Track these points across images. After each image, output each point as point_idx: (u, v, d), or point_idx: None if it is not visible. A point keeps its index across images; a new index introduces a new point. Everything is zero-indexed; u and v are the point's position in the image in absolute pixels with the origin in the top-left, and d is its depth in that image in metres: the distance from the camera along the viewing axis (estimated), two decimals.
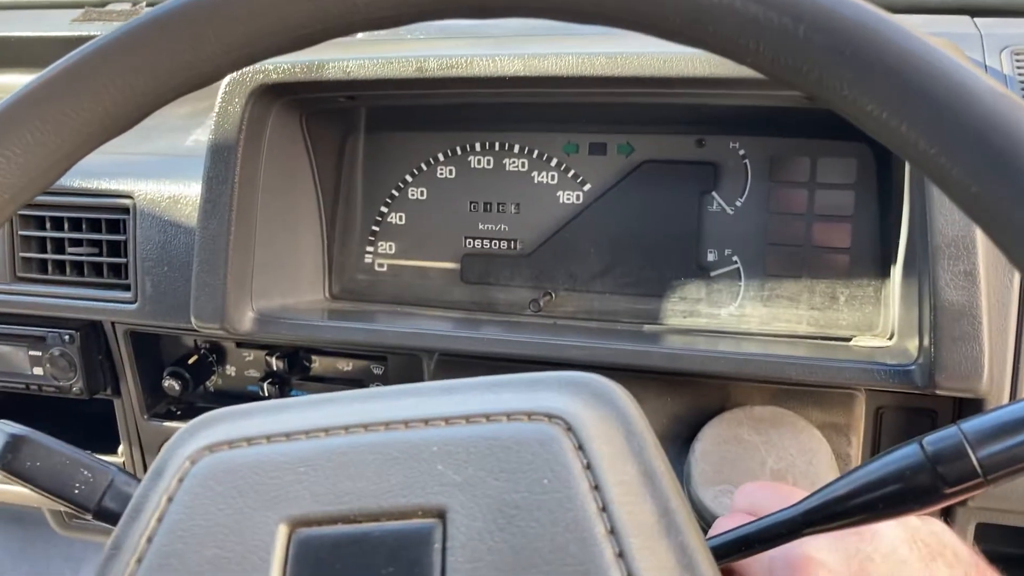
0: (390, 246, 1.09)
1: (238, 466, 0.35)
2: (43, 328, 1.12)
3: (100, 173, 1.08)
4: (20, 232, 1.10)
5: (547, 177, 1.04)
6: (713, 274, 0.99)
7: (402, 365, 1.05)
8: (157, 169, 1.08)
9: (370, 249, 1.10)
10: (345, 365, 1.09)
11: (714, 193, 0.99)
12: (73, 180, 1.08)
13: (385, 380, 1.07)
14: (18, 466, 0.53)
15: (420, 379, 1.02)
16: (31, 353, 1.13)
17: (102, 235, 1.07)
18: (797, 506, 0.48)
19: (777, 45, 0.31)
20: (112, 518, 0.53)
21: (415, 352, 1.02)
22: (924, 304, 0.80)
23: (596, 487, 0.32)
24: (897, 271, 0.89)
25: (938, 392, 0.78)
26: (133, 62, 0.37)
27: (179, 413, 1.17)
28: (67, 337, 1.11)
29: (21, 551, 1.74)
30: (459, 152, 1.06)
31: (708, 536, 0.56)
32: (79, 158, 0.40)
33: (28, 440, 0.54)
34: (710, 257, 0.99)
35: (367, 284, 1.10)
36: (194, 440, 0.37)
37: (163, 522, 0.35)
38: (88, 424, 1.26)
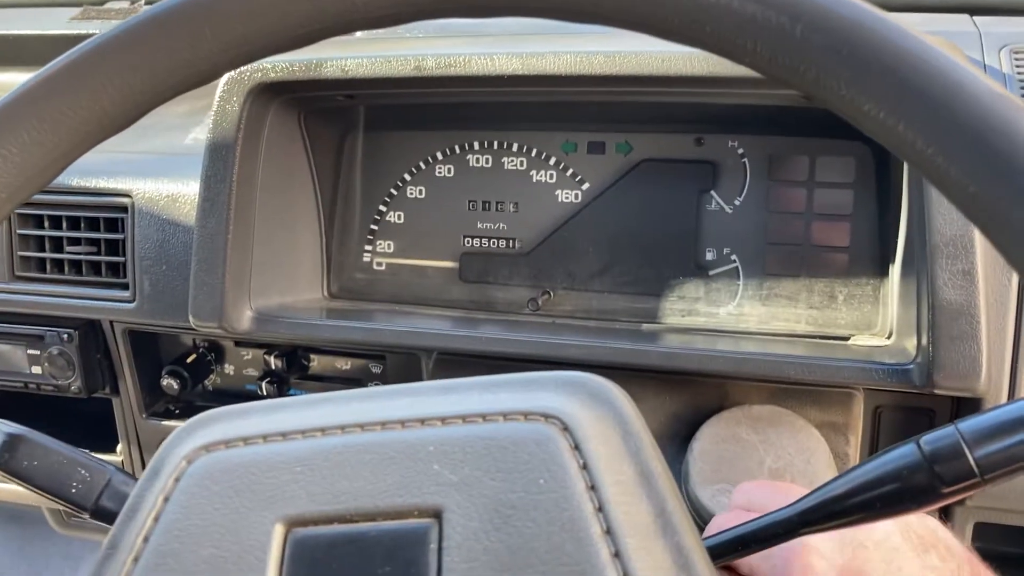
0: (389, 245, 1.09)
1: (234, 466, 0.35)
2: (41, 327, 1.12)
3: (98, 172, 1.08)
4: (18, 231, 1.10)
5: (546, 176, 1.04)
6: (712, 273, 0.99)
7: (401, 364, 1.05)
8: (155, 168, 1.08)
9: (368, 248, 1.10)
10: (344, 364, 1.09)
11: (713, 192, 0.99)
12: (71, 179, 1.08)
13: (384, 379, 1.07)
14: (15, 465, 0.54)
15: (419, 378, 1.02)
16: (29, 352, 1.13)
17: (100, 234, 1.07)
18: (794, 505, 0.48)
19: (774, 45, 0.31)
20: (109, 517, 0.53)
21: (413, 351, 1.02)
22: (922, 303, 0.80)
23: (592, 487, 0.32)
24: (895, 270, 0.89)
25: (936, 391, 0.78)
26: (131, 60, 0.37)
27: (178, 412, 1.17)
28: (65, 336, 1.11)
29: (20, 550, 1.74)
30: (458, 151, 1.06)
31: (705, 534, 0.56)
32: (76, 157, 0.40)
33: (25, 439, 0.54)
34: (709, 256, 0.99)
35: (365, 283, 1.10)
36: (191, 440, 0.37)
37: (159, 522, 0.34)
38: (87, 423, 1.26)
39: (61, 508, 1.34)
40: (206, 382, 1.16)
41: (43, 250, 1.10)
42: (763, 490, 0.63)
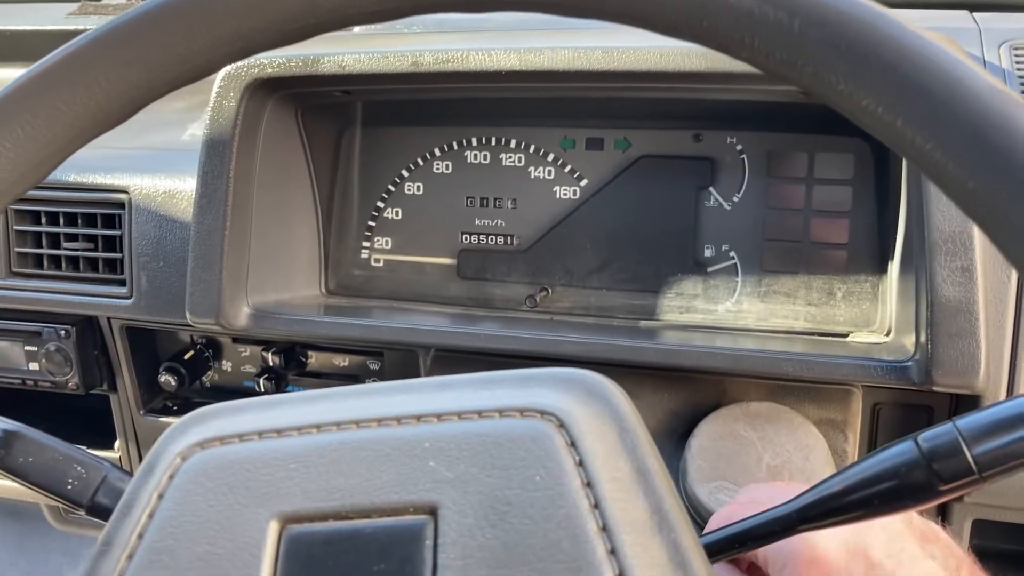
0: (386, 241, 1.09)
1: (229, 462, 0.35)
2: (39, 323, 1.12)
3: (95, 168, 1.07)
4: (15, 227, 1.10)
5: (544, 172, 1.03)
6: (710, 270, 0.99)
7: (398, 361, 1.05)
8: (152, 164, 1.07)
9: (366, 244, 1.10)
10: (341, 361, 1.09)
11: (711, 188, 0.99)
12: (68, 175, 1.07)
13: (381, 376, 1.07)
14: (11, 462, 0.53)
15: (416, 375, 1.02)
16: (27, 348, 1.13)
17: (97, 230, 1.07)
18: (792, 502, 0.48)
19: (772, 40, 0.31)
20: (105, 514, 0.53)
21: (411, 348, 1.01)
22: (921, 300, 0.80)
23: (588, 484, 0.32)
24: (894, 267, 0.89)
25: (935, 388, 0.78)
26: (126, 55, 0.37)
27: (175, 408, 1.17)
28: (63, 332, 1.11)
29: (18, 545, 1.74)
30: (455, 147, 1.06)
31: (708, 527, 0.56)
32: (72, 152, 0.40)
33: (20, 436, 0.54)
34: (707, 253, 0.99)
35: (363, 279, 1.10)
36: (185, 436, 0.37)
37: (154, 518, 0.34)
38: (84, 419, 1.26)
39: (58, 504, 1.34)
40: (204, 378, 1.15)
41: (40, 246, 1.10)
42: (770, 491, 0.63)
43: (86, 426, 1.24)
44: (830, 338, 0.93)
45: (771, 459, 0.83)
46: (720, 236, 0.99)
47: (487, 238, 1.06)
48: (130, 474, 0.51)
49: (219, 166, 0.94)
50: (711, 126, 0.98)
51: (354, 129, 1.09)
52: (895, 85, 0.29)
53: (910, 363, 0.80)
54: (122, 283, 1.06)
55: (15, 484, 0.55)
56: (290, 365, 1.09)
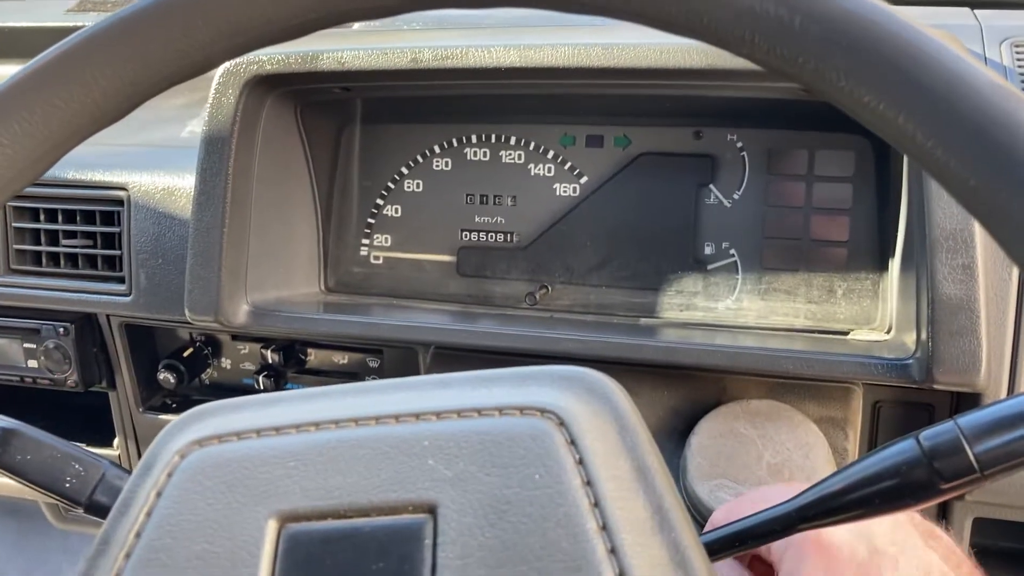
0: (386, 239, 1.09)
1: (227, 461, 0.35)
2: (37, 320, 1.12)
3: (94, 165, 1.07)
4: (14, 224, 1.10)
5: (543, 169, 1.03)
6: (710, 267, 0.99)
7: (398, 358, 1.05)
8: (151, 161, 1.07)
9: (366, 242, 1.10)
10: (341, 358, 1.09)
11: (711, 186, 0.99)
12: (67, 172, 1.07)
13: (381, 373, 1.07)
14: (8, 460, 0.53)
15: (416, 372, 1.02)
16: (26, 346, 1.13)
17: (96, 227, 1.07)
18: (792, 501, 0.48)
19: (773, 36, 0.31)
20: (103, 512, 0.53)
21: (411, 345, 1.01)
22: (922, 298, 0.79)
23: (588, 483, 0.32)
24: (895, 265, 0.89)
25: (935, 386, 0.78)
26: (123, 51, 0.37)
27: (174, 406, 1.17)
28: (61, 329, 1.11)
29: (18, 543, 1.74)
30: (455, 144, 1.06)
31: (709, 525, 0.56)
32: (69, 149, 0.39)
33: (18, 433, 0.54)
34: (707, 250, 0.99)
35: (363, 277, 1.10)
36: (183, 434, 0.37)
37: (152, 517, 0.34)
38: (83, 417, 1.26)
39: (57, 502, 1.34)
40: (203, 376, 1.15)
41: (39, 243, 1.10)
42: (778, 492, 0.63)
43: (85, 423, 1.24)
44: (830, 336, 0.92)
45: (771, 457, 0.83)
46: (720, 233, 0.99)
47: (487, 235, 1.05)
48: (128, 472, 0.51)
49: (218, 163, 0.93)
50: (711, 123, 0.98)
51: (354, 126, 1.09)
52: (896, 82, 0.29)
53: (911, 361, 0.79)
54: (121, 280, 1.06)
55: (14, 482, 0.55)
56: (289, 363, 1.08)
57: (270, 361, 1.07)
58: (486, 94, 1.01)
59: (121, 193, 1.05)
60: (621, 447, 0.33)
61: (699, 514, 0.83)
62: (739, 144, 0.98)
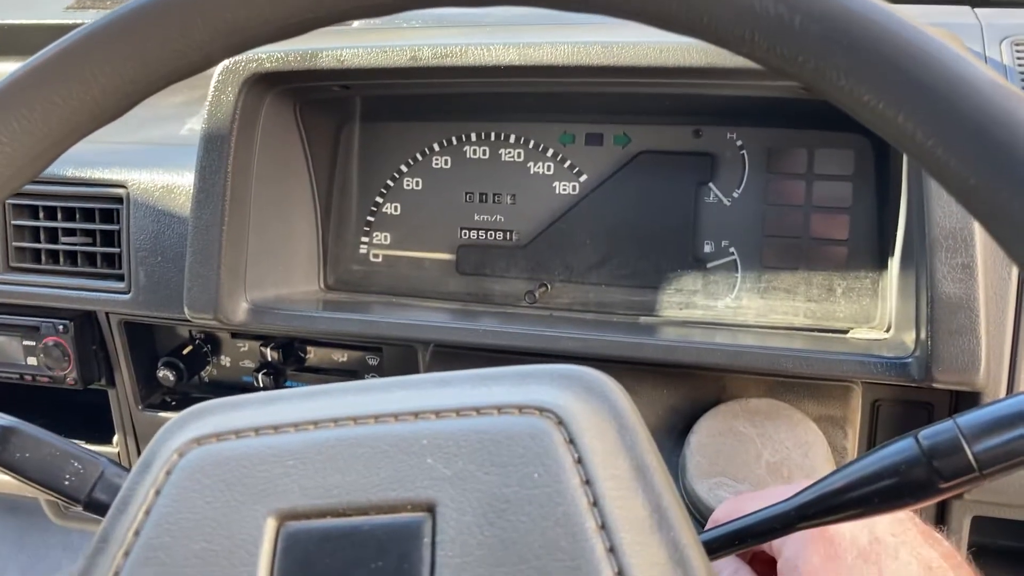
0: (385, 236, 1.09)
1: (226, 459, 0.35)
2: (37, 318, 1.12)
3: (93, 162, 1.07)
4: (13, 222, 1.10)
5: (543, 168, 1.03)
6: (709, 266, 0.99)
7: (397, 356, 1.05)
8: (151, 158, 1.07)
9: (365, 239, 1.10)
10: (340, 356, 1.09)
11: (711, 184, 0.99)
12: (66, 169, 1.07)
13: (380, 371, 1.07)
14: (7, 457, 0.53)
15: (415, 370, 1.02)
16: (25, 343, 1.13)
17: (95, 225, 1.07)
18: (792, 500, 0.48)
19: (772, 35, 0.31)
20: (103, 510, 0.53)
21: (410, 343, 1.01)
22: (921, 297, 0.79)
23: (587, 481, 0.32)
24: (895, 263, 0.89)
25: (935, 385, 0.78)
26: (122, 49, 0.37)
27: (174, 403, 1.17)
28: (61, 327, 1.11)
29: (18, 540, 1.74)
30: (455, 142, 1.06)
31: (711, 522, 0.56)
32: (68, 146, 0.39)
33: (17, 431, 0.54)
34: (707, 249, 0.99)
35: (362, 275, 1.10)
36: (182, 432, 0.37)
37: (150, 515, 0.34)
38: (83, 414, 1.26)
39: (57, 500, 1.34)
40: (202, 374, 1.15)
41: (38, 241, 1.10)
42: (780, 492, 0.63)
43: (85, 421, 1.23)
44: (830, 334, 0.92)
45: (770, 456, 0.83)
46: (720, 232, 0.99)
47: (486, 233, 1.05)
48: (127, 470, 0.51)
49: (217, 161, 0.93)
50: (711, 122, 0.98)
51: (353, 124, 1.09)
52: (896, 81, 0.29)
53: (910, 360, 0.79)
54: (120, 278, 1.06)
55: (13, 480, 0.55)
56: (289, 360, 1.08)
57: (269, 359, 1.07)
58: (486, 92, 1.01)
59: (120, 191, 1.05)
60: (620, 446, 0.33)
61: (698, 513, 0.83)
62: (739, 143, 0.97)
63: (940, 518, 0.89)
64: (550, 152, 1.03)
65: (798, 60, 0.31)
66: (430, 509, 0.32)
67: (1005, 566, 0.95)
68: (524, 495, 0.31)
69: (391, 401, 0.36)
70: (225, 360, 1.14)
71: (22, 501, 1.57)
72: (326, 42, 0.91)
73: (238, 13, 0.35)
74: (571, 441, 0.33)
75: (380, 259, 1.09)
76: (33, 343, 1.12)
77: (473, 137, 1.05)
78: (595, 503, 0.31)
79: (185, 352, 1.12)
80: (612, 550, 0.30)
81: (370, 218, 1.09)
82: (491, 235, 1.05)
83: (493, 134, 1.04)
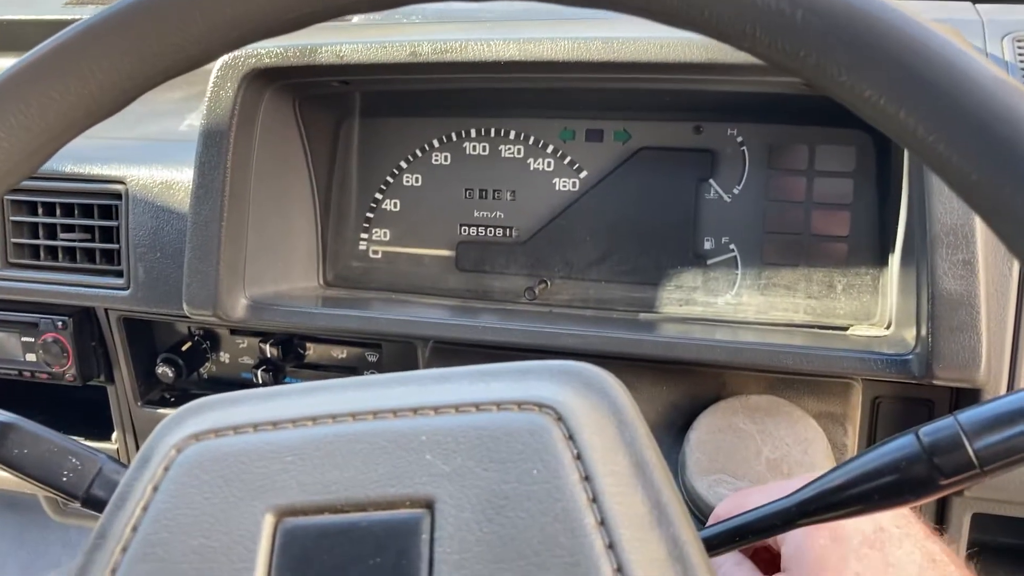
0: (385, 233, 1.09)
1: (224, 455, 0.35)
2: (35, 314, 1.12)
3: (92, 158, 1.07)
4: (11, 218, 1.09)
5: (543, 164, 1.03)
6: (710, 262, 0.99)
7: (397, 353, 1.05)
8: (150, 154, 1.07)
9: (364, 236, 1.09)
10: (339, 352, 1.09)
11: (711, 180, 0.98)
12: (65, 165, 1.07)
13: (380, 368, 1.07)
14: (5, 454, 0.53)
15: (415, 367, 1.02)
16: (24, 339, 1.12)
17: (94, 221, 1.07)
18: (792, 496, 0.48)
19: (774, 29, 0.31)
20: (101, 506, 0.53)
21: (409, 340, 1.01)
22: (922, 293, 0.79)
23: (586, 477, 0.32)
24: (895, 260, 0.89)
25: (935, 382, 0.78)
26: (119, 44, 0.36)
27: (173, 400, 1.17)
28: (60, 323, 1.10)
29: (18, 537, 1.74)
30: (454, 138, 1.06)
31: (712, 518, 0.56)
32: (65, 142, 0.39)
33: (15, 427, 0.54)
34: (707, 245, 0.99)
35: (361, 271, 1.10)
36: (180, 428, 0.37)
37: (148, 511, 0.34)
38: (82, 411, 1.26)
39: (56, 496, 1.34)
40: (201, 370, 1.15)
41: (37, 237, 1.10)
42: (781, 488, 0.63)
43: (84, 418, 1.23)
44: (830, 331, 0.92)
45: (770, 452, 0.83)
46: (720, 228, 0.99)
47: (486, 230, 1.05)
48: (125, 466, 0.51)
49: (216, 156, 0.93)
50: (711, 118, 0.98)
51: (352, 120, 1.09)
52: (898, 76, 0.29)
53: (910, 356, 0.79)
54: (119, 274, 1.05)
55: (12, 476, 0.54)
56: (288, 357, 1.08)
57: (269, 355, 1.07)
58: (485, 88, 1.01)
59: (119, 187, 1.05)
60: (619, 442, 0.33)
61: (698, 509, 0.83)
62: (739, 139, 0.97)
63: (940, 515, 0.89)
64: (550, 148, 1.03)
65: (799, 55, 0.31)
66: (429, 505, 0.32)
67: (1005, 564, 0.95)
68: (523, 491, 0.31)
69: (390, 397, 0.36)
70: (224, 356, 1.14)
71: (21, 498, 1.57)
72: (325, 37, 0.91)
73: (236, 8, 0.35)
74: (570, 437, 0.33)
75: (379, 255, 1.09)
76: (32, 339, 1.12)
77: (473, 133, 1.05)
78: (594, 499, 0.31)
79: (184, 348, 1.12)
80: (611, 546, 0.30)
81: (369, 214, 1.09)
82: (491, 231, 1.05)
83: (493, 130, 1.04)
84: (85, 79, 0.37)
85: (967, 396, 0.83)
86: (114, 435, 1.21)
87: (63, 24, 0.39)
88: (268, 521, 0.33)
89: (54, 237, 1.09)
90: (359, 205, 1.09)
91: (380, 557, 0.31)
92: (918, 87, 0.29)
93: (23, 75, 0.37)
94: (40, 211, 1.09)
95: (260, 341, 1.07)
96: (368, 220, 1.09)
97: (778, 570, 0.57)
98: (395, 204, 1.08)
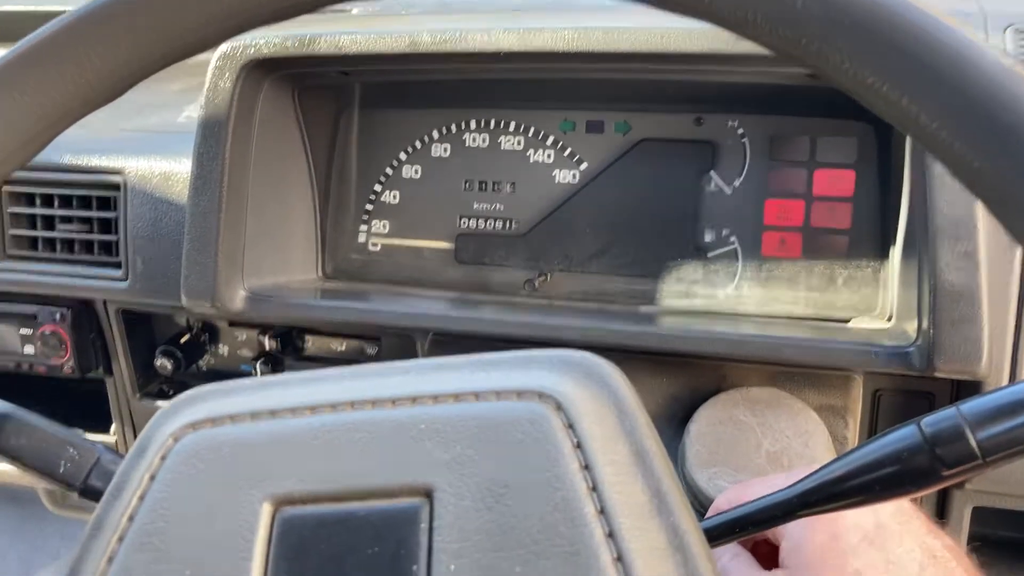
0: (384, 225, 1.08)
1: (221, 444, 0.35)
2: (34, 306, 1.11)
3: (90, 150, 1.07)
4: (9, 210, 1.09)
5: (543, 156, 1.03)
6: (710, 255, 0.98)
7: (396, 345, 1.05)
8: (148, 145, 1.07)
9: (364, 228, 1.09)
10: (339, 345, 1.09)
11: (712, 172, 0.98)
12: (63, 156, 1.07)
13: (379, 360, 1.07)
14: (2, 443, 0.53)
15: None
16: (22, 331, 1.12)
17: (93, 212, 1.06)
18: (793, 487, 0.48)
19: (775, 16, 0.30)
20: (98, 496, 0.52)
21: (409, 332, 1.01)
22: (923, 286, 0.79)
23: (586, 467, 0.31)
24: (897, 252, 0.89)
25: (936, 375, 0.78)
26: (115, 32, 0.36)
27: (171, 392, 1.17)
28: (58, 315, 1.10)
29: (16, 529, 1.74)
30: (454, 130, 1.05)
31: (712, 511, 0.56)
32: (60, 130, 0.39)
33: (12, 417, 0.54)
34: (707, 237, 0.99)
35: (361, 263, 1.09)
36: (177, 418, 0.37)
37: (145, 500, 0.34)
38: (81, 403, 1.25)
39: (54, 488, 1.34)
40: (200, 362, 1.15)
41: (35, 229, 1.09)
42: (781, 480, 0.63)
43: (82, 410, 1.23)
44: (831, 324, 0.92)
45: (770, 445, 0.83)
46: (721, 221, 0.98)
47: (485, 222, 1.05)
48: (123, 456, 0.50)
49: (215, 148, 0.93)
50: (712, 109, 0.98)
51: (352, 111, 1.08)
52: (900, 63, 0.29)
53: (912, 349, 0.79)
54: (117, 266, 1.05)
55: (10, 468, 0.54)
56: (287, 349, 1.08)
57: (268, 348, 1.07)
58: (485, 79, 1.01)
59: (117, 178, 1.04)
60: (619, 431, 0.33)
61: (698, 502, 0.83)
62: (740, 130, 0.97)
63: (941, 508, 0.89)
64: (550, 140, 1.02)
65: (801, 43, 0.30)
66: (428, 494, 0.32)
67: (1006, 557, 0.95)
68: (523, 480, 0.31)
69: (389, 386, 0.36)
70: (223, 349, 1.14)
71: (20, 491, 1.57)
72: (325, 27, 0.91)
73: None
74: (570, 426, 0.33)
75: (379, 248, 1.09)
76: (30, 331, 1.12)
77: (473, 124, 1.05)
78: (594, 488, 0.31)
79: (183, 341, 1.11)
80: (611, 535, 0.30)
81: (369, 206, 1.09)
82: (490, 224, 1.05)
83: (493, 121, 1.04)
84: (81, 67, 0.36)
85: (968, 389, 0.83)
86: (112, 428, 1.21)
87: (59, 14, 0.39)
88: (266, 510, 0.32)
89: (52, 229, 1.08)
90: (358, 197, 1.09)
91: (379, 546, 0.31)
92: (921, 74, 0.28)
93: (18, 61, 0.37)
94: (38, 202, 1.09)
95: (259, 333, 1.07)
96: (367, 212, 1.09)
97: (777, 564, 0.57)
98: (395, 196, 1.08)
